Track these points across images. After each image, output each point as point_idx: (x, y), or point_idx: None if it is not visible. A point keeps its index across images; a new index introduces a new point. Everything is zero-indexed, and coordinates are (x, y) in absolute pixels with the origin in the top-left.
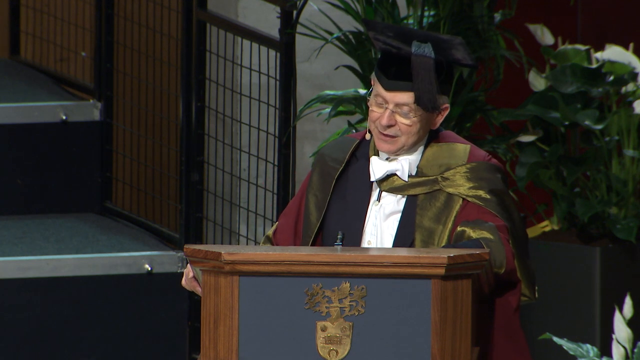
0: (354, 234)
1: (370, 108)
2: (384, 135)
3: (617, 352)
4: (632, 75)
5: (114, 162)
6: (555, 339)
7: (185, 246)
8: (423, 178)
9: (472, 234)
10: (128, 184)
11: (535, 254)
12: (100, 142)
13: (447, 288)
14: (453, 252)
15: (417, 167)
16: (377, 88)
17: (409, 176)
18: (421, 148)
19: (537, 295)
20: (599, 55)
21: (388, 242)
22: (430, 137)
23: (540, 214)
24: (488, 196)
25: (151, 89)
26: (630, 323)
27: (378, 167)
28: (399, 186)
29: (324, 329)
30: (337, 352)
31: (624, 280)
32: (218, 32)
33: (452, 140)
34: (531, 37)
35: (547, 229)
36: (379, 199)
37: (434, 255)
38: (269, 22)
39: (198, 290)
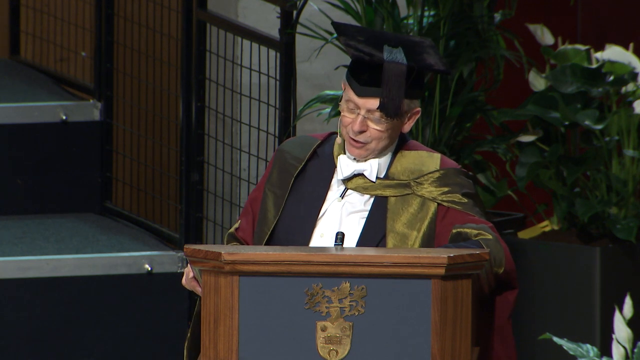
0: (306, 227)
1: (342, 113)
2: (355, 140)
3: (617, 352)
4: (632, 75)
5: (114, 162)
6: (555, 339)
7: (185, 246)
8: (394, 181)
9: (471, 234)
10: (128, 184)
11: (535, 254)
12: (100, 142)
13: (447, 288)
14: (453, 252)
15: (389, 172)
16: (349, 93)
17: (377, 178)
18: (390, 152)
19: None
20: (599, 55)
21: (352, 241)
22: (399, 143)
23: (540, 214)
24: (464, 199)
25: (151, 89)
26: (630, 323)
27: (346, 166)
28: (366, 186)
29: (324, 329)
30: (337, 352)
31: (624, 280)
32: (218, 32)
33: (421, 149)
34: (531, 37)
35: (547, 229)
36: (342, 196)
37: (434, 255)
38: (269, 22)
39: (198, 290)
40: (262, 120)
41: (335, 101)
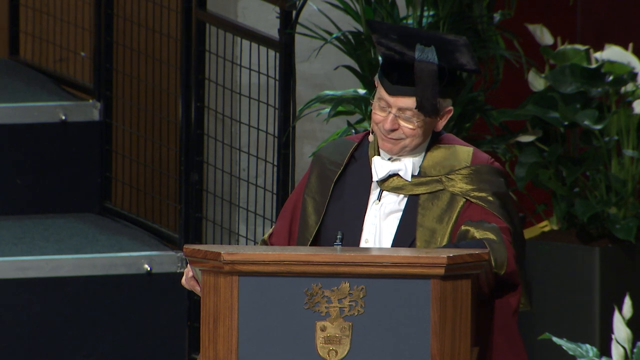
0: (352, 233)
1: (373, 111)
2: (387, 137)
3: (617, 352)
4: (632, 75)
5: (114, 162)
6: (555, 339)
7: (185, 246)
8: (427, 178)
9: (476, 233)
10: (127, 184)
11: (535, 254)
12: (99, 142)
13: (446, 288)
14: (453, 252)
15: (420, 168)
16: (381, 92)
17: (411, 176)
18: (423, 150)
19: (532, 306)
20: (598, 55)
21: (387, 241)
22: (432, 139)
23: (540, 214)
24: (492, 198)
25: (150, 89)
26: (629, 323)
27: (381, 167)
28: (400, 185)
29: (323, 329)
30: (336, 352)
31: (624, 280)
32: (217, 32)
33: (454, 143)
34: (530, 37)
35: (547, 229)
36: (379, 198)
37: (434, 255)
38: (268, 22)
39: (197, 289)
40: (262, 121)
41: (334, 101)
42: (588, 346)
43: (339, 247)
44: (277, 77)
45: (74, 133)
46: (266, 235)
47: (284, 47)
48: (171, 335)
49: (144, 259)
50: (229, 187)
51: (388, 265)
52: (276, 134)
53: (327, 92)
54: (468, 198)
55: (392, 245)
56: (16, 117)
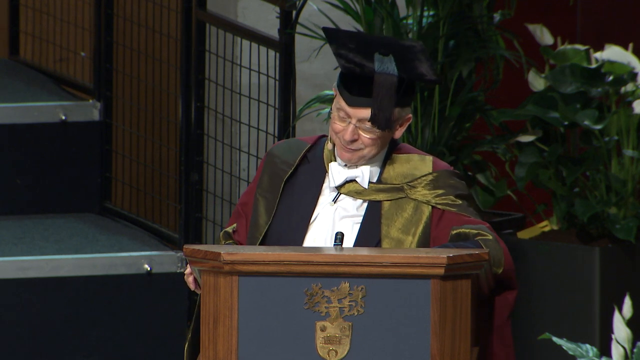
0: (298, 232)
1: (332, 120)
2: (347, 147)
3: (617, 352)
4: (632, 75)
5: (114, 162)
6: (554, 339)
7: (185, 246)
8: (387, 185)
9: (470, 234)
10: (127, 184)
11: (535, 254)
12: (99, 142)
13: (446, 288)
14: (452, 252)
15: (381, 176)
16: (340, 102)
17: (369, 183)
18: (382, 157)
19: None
20: (598, 55)
21: (346, 246)
22: (390, 148)
23: (540, 214)
24: (458, 201)
25: (150, 89)
26: (629, 323)
27: (337, 173)
28: (359, 191)
29: (323, 329)
30: (336, 352)
31: (624, 280)
32: (217, 32)
33: (413, 152)
34: (530, 37)
35: (547, 229)
36: (335, 201)
37: (434, 255)
38: (268, 22)
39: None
40: (262, 121)
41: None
42: (588, 346)
43: (338, 247)
44: (277, 77)
45: (74, 133)
46: (230, 229)
47: (284, 47)
48: (171, 335)
49: (144, 259)
50: (229, 187)
51: (388, 265)
52: (276, 134)
53: (327, 92)
54: (433, 205)
55: None
56: (16, 117)
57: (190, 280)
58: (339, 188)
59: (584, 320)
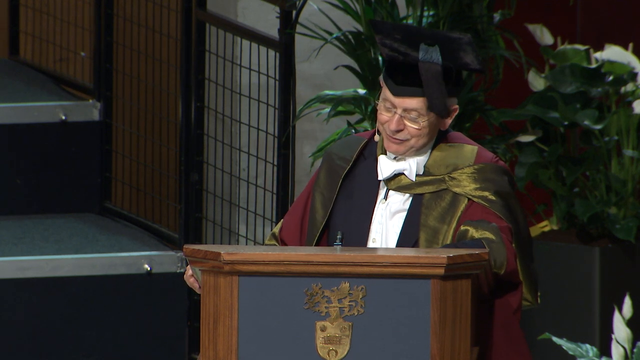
0: (360, 233)
1: (378, 111)
2: (393, 137)
3: (617, 352)
4: (632, 75)
5: (114, 162)
6: (554, 339)
7: (185, 246)
8: (430, 177)
9: (475, 233)
10: (127, 184)
11: (535, 254)
12: (99, 142)
13: (446, 288)
14: (452, 252)
15: (425, 167)
16: (385, 92)
17: (416, 175)
18: (429, 149)
19: (539, 301)
20: (598, 55)
21: (392, 241)
22: (438, 137)
23: (540, 214)
24: (494, 198)
25: (150, 89)
26: (629, 323)
27: (386, 166)
28: (406, 185)
29: (323, 329)
30: (336, 352)
31: (624, 280)
32: (217, 32)
33: (460, 141)
34: (530, 37)
35: (547, 229)
36: (385, 198)
37: (434, 255)
38: (268, 22)
39: (196, 286)
40: (262, 120)
41: (334, 101)
42: (588, 346)
43: (338, 247)
44: (277, 77)
45: (74, 133)
46: (276, 229)
47: (284, 47)
48: (171, 335)
49: (144, 259)
50: (229, 187)
51: (388, 265)
52: (276, 134)
53: (327, 92)
54: (470, 197)
55: (397, 245)
56: (16, 117)
57: (192, 281)
58: (387, 182)
59: (584, 320)
